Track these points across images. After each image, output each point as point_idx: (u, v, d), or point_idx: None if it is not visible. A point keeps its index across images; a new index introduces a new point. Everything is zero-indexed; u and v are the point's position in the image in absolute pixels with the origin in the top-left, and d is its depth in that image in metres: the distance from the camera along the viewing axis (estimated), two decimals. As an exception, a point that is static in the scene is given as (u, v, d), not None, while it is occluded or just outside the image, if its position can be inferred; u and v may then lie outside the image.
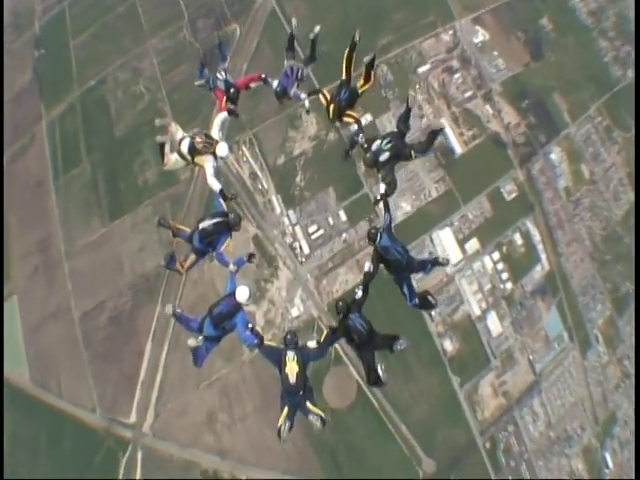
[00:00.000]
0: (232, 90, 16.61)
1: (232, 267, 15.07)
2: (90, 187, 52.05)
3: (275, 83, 17.11)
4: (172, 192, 49.80)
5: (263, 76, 17.35)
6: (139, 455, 44.76)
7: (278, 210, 48.08)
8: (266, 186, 48.55)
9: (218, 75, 16.99)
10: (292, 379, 13.74)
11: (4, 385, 46.66)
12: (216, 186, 15.24)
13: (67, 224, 51.40)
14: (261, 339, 14.20)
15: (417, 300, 15.33)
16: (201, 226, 14.65)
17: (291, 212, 47.78)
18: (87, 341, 48.07)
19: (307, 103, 17.93)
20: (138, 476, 44.39)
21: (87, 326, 48.36)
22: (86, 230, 50.82)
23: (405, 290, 15.08)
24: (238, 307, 14.28)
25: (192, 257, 15.41)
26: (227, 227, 14.86)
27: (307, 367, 14.15)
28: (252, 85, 17.75)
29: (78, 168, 52.72)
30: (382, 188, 15.85)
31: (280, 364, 13.92)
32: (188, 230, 15.14)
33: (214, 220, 14.71)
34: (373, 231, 14.92)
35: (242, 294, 14.23)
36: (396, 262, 14.78)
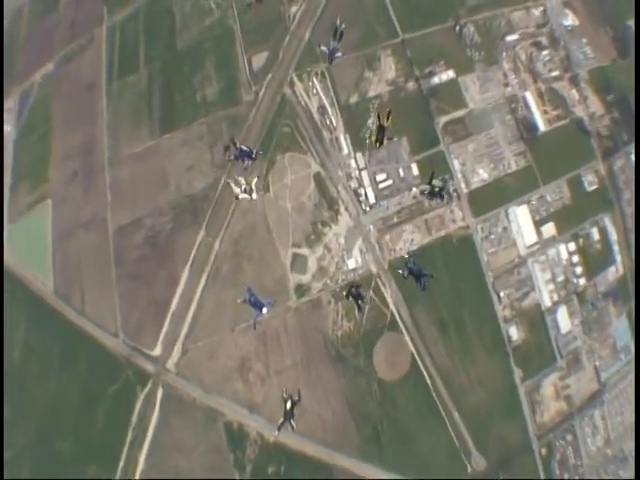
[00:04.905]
0: None
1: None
2: (144, 96, 46.02)
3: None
4: (231, 113, 43.31)
5: None
6: (159, 393, 38.67)
7: (345, 150, 41.47)
8: (335, 123, 41.88)
9: None
10: None
11: (24, 291, 42.20)
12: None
13: (114, 131, 45.49)
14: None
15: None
16: (239, 145, 26.06)
17: (359, 155, 41.33)
18: (119, 258, 42.05)
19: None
20: (155, 416, 38.35)
21: (121, 242, 42.34)
22: (133, 140, 44.71)
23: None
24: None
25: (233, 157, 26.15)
26: (250, 156, 25.51)
27: None
28: None
29: (134, 75, 46.77)
30: None
31: None
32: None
33: (246, 149, 25.78)
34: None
35: None
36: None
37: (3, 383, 38.47)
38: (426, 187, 28.85)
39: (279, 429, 23.98)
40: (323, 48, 27.94)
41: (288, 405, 23.48)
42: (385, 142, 25.60)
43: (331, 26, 41.93)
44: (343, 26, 27.79)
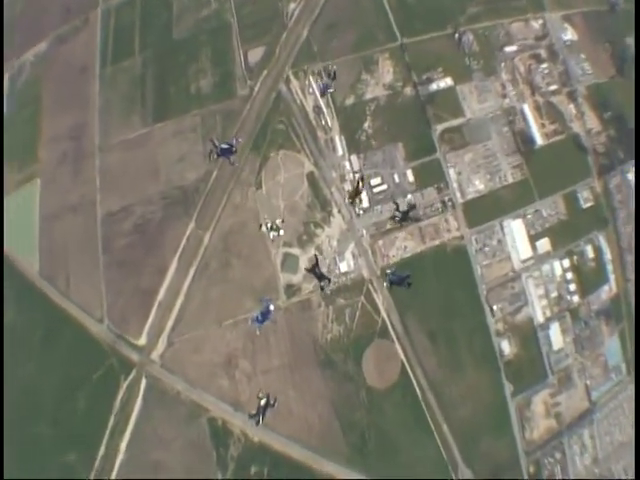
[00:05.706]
0: None
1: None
2: (137, 83, 45.30)
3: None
4: (225, 106, 42.58)
5: None
6: (143, 383, 37.71)
7: (340, 152, 40.64)
8: (330, 123, 41.05)
9: None
10: None
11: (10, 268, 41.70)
12: None
13: (106, 116, 44.62)
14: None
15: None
16: (220, 145, 26.98)
17: (354, 157, 40.50)
18: (106, 244, 41.18)
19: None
20: (138, 406, 37.40)
21: (109, 228, 41.49)
22: (125, 126, 43.88)
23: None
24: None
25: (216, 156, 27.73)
26: (231, 151, 27.12)
27: None
28: None
29: (128, 61, 46.04)
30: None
31: None
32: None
33: (226, 147, 26.91)
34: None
35: None
36: None
37: (3, 379, 37.63)
38: (398, 214, 29.69)
39: (250, 416, 25.80)
40: (319, 82, 31.62)
41: (262, 402, 24.73)
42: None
43: (328, 27, 42.44)
44: (335, 67, 32.22)
